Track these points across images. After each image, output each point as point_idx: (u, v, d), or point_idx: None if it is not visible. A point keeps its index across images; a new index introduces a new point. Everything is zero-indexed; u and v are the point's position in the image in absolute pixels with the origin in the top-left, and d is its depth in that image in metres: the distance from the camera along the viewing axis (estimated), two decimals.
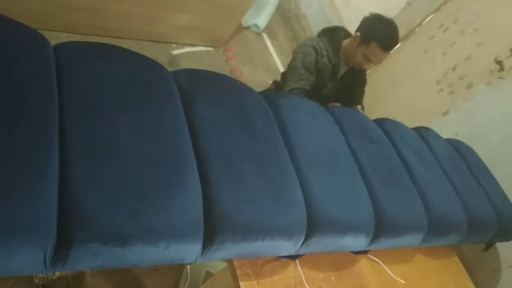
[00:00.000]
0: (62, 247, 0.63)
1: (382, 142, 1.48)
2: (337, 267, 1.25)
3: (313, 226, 0.99)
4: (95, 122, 0.76)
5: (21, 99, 0.70)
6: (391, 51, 1.70)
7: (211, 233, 0.80)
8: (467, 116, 2.40)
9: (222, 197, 0.84)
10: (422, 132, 1.84)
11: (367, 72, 2.05)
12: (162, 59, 0.97)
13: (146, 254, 0.72)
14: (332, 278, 1.21)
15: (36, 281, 1.34)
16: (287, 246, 0.95)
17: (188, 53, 2.37)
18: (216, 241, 0.81)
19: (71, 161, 0.69)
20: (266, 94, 1.24)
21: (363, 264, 1.34)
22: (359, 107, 1.99)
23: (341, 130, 1.36)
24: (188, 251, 0.78)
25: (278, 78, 1.98)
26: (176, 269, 1.63)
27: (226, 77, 1.16)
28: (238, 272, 0.99)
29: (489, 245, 2.01)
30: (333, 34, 1.79)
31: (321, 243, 1.03)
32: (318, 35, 1.80)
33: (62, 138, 0.71)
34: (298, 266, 1.11)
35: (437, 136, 1.92)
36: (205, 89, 1.03)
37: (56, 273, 1.40)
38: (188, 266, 1.76)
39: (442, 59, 2.64)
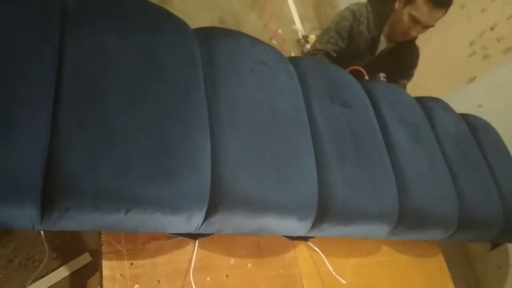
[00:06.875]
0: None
1: (360, 107, 1.24)
2: (260, 253, 1.04)
3: (216, 200, 0.82)
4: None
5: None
6: (444, 9, 1.51)
7: (51, 197, 0.68)
8: (496, 85, 2.07)
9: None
10: (426, 102, 1.53)
11: None
12: None
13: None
14: (249, 265, 1.00)
15: None
16: (175, 222, 0.78)
17: None
18: (57, 207, 0.67)
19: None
20: (203, 32, 1.04)
21: (299, 253, 1.11)
22: (381, 75, 1.75)
23: (302, 86, 1.13)
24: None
25: None
26: None
27: None
28: (105, 249, 0.80)
29: (496, 245, 1.77)
30: (384, 6, 1.69)
31: (230, 222, 0.86)
32: (368, 1, 1.72)
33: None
34: (196, 247, 0.91)
35: (446, 108, 1.58)
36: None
37: None
38: None
39: (480, 16, 2.29)
